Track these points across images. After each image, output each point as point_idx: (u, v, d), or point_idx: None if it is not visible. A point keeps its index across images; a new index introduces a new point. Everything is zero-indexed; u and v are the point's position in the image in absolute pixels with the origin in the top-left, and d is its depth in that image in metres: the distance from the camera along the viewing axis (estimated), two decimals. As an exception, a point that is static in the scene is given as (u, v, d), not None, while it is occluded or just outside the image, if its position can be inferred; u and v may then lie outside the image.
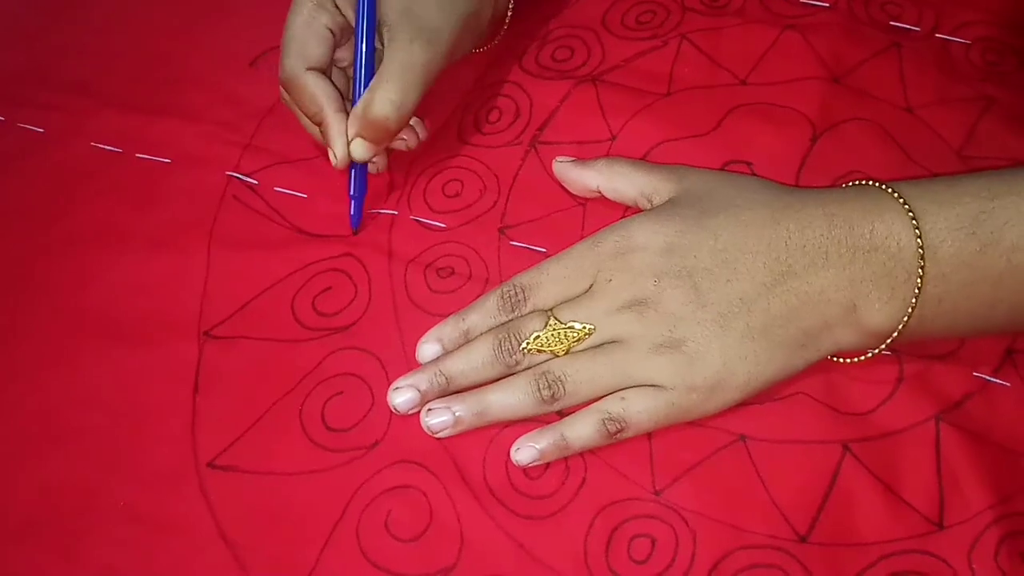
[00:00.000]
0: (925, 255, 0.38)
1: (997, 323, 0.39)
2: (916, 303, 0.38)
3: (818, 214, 0.40)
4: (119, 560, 0.40)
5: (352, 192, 0.46)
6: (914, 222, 0.38)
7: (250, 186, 0.49)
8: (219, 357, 0.44)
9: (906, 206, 0.38)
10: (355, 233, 0.47)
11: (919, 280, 0.38)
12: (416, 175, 0.49)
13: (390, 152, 0.48)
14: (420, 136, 0.48)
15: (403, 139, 0.47)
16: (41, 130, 0.52)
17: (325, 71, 0.46)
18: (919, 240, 0.38)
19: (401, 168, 0.49)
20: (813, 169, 0.46)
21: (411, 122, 0.46)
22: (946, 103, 0.48)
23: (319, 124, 0.45)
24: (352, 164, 0.46)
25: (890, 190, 0.39)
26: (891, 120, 0.48)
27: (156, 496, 0.41)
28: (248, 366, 0.44)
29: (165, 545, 0.40)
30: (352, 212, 0.46)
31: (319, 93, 0.45)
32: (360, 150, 0.45)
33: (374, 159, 0.46)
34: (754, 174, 0.46)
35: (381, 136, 0.44)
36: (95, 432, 0.43)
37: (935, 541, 0.38)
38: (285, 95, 0.47)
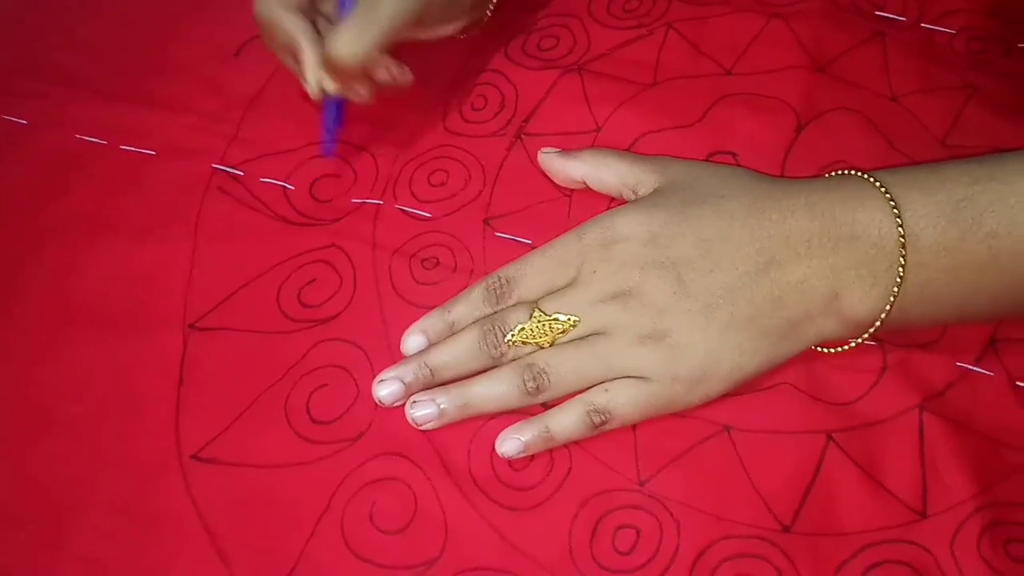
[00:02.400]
0: (906, 243, 0.38)
1: (979, 310, 0.39)
2: (898, 292, 0.38)
3: (801, 204, 0.40)
4: (103, 552, 0.40)
5: (327, 124, 0.48)
6: (895, 211, 0.38)
7: (235, 177, 0.49)
8: (204, 349, 0.44)
9: (887, 195, 0.38)
10: (325, 156, 0.49)
11: (901, 269, 0.38)
12: (402, 164, 0.49)
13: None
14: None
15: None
16: (24, 122, 0.52)
17: (305, 13, 0.46)
18: (900, 229, 0.38)
19: (387, 157, 0.49)
20: (798, 159, 0.46)
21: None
22: (930, 92, 0.48)
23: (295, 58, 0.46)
24: (325, 96, 0.46)
25: (872, 179, 0.39)
26: (876, 109, 0.48)
27: (139, 488, 0.41)
28: (233, 358, 0.44)
29: (148, 537, 0.40)
30: (323, 141, 0.48)
31: (291, 27, 0.45)
32: (329, 85, 0.45)
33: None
34: (739, 164, 0.46)
35: (343, 76, 0.45)
36: (78, 424, 0.43)
37: (918, 530, 0.38)
38: (264, 36, 0.47)
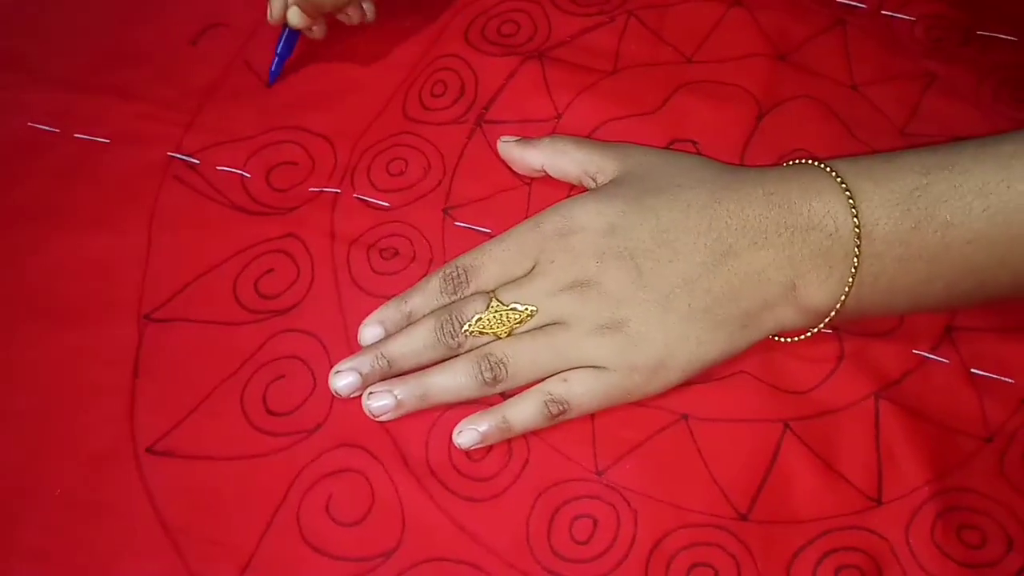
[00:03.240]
0: (861, 234, 0.38)
1: (934, 299, 0.39)
2: (853, 281, 0.38)
3: (757, 194, 0.40)
4: (56, 545, 0.39)
5: (279, 50, 0.50)
6: (850, 201, 0.38)
7: (192, 166, 0.48)
8: (159, 340, 0.44)
9: (843, 184, 0.38)
10: (268, 86, 0.51)
11: (856, 259, 0.38)
12: (360, 152, 0.48)
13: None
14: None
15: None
16: (-26, 109, 0.51)
17: None
18: (855, 219, 0.38)
19: (345, 145, 0.48)
20: (758, 147, 0.46)
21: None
22: (890, 80, 0.49)
23: None
24: (285, 25, 0.49)
25: (828, 168, 0.39)
26: (836, 98, 0.48)
27: (93, 481, 0.40)
28: (188, 349, 0.43)
29: (102, 530, 0.39)
30: (272, 68, 0.50)
31: None
32: (295, 17, 0.48)
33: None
34: (699, 153, 0.46)
35: (313, 10, 0.48)
36: (31, 416, 0.42)
37: (873, 517, 0.39)
38: None
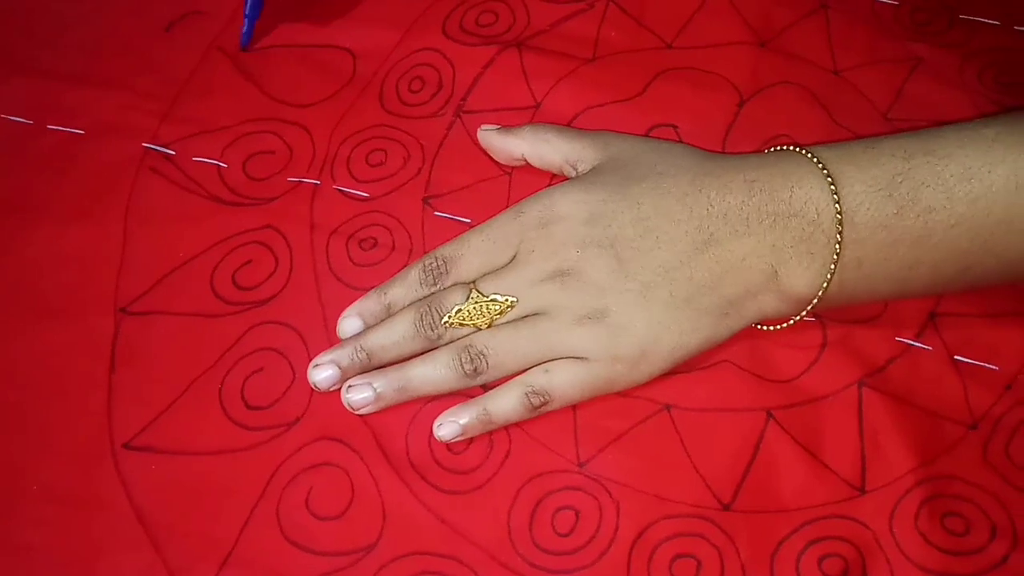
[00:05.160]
0: (843, 220, 0.37)
1: (917, 285, 0.39)
2: (835, 267, 0.38)
3: (739, 181, 0.39)
4: (34, 540, 0.39)
5: (247, 11, 0.49)
6: (832, 187, 0.38)
7: (168, 157, 0.47)
8: (136, 333, 0.43)
9: (824, 170, 0.38)
10: (244, 50, 0.50)
11: (838, 245, 0.38)
12: (339, 142, 0.48)
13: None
14: None
15: None
16: (-54, 101, 0.50)
17: None
18: (837, 206, 0.37)
19: (323, 135, 0.48)
20: (740, 134, 0.46)
21: None
22: (874, 64, 0.48)
23: None
24: None
25: (809, 155, 0.39)
26: (819, 83, 0.47)
27: (70, 477, 0.40)
28: (166, 343, 0.43)
29: (80, 526, 0.39)
30: (244, 30, 0.50)
31: None
32: None
33: None
34: (681, 139, 0.46)
35: None
36: (7, 411, 0.41)
37: (857, 506, 0.39)
38: None
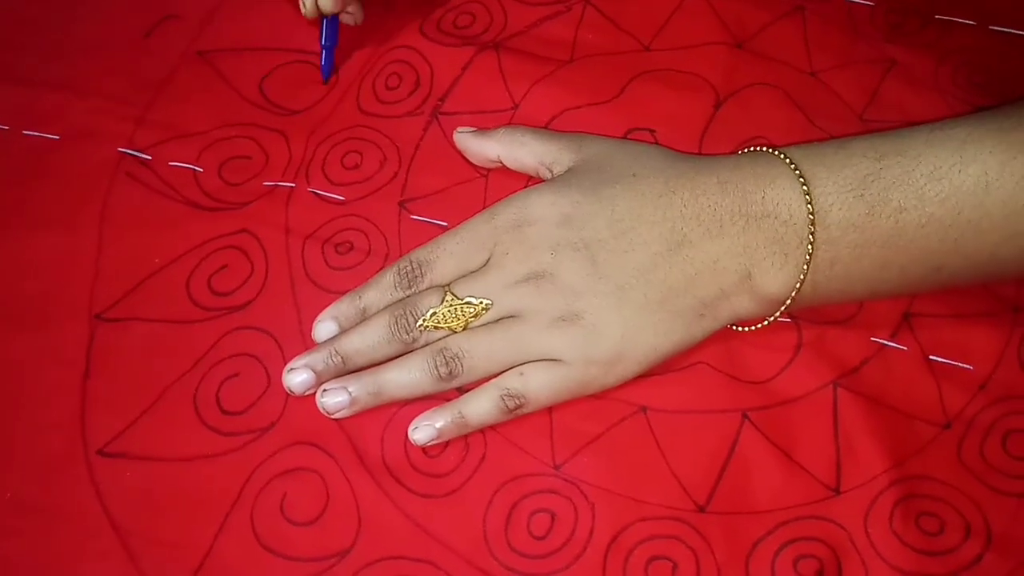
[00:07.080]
0: (815, 220, 0.38)
1: (890, 285, 0.39)
2: (808, 268, 0.38)
3: (712, 182, 0.39)
4: (7, 549, 0.38)
5: (324, 42, 0.48)
6: (804, 187, 0.38)
7: (143, 162, 0.47)
8: (111, 340, 0.43)
9: (797, 171, 0.38)
10: (326, 82, 0.49)
11: (810, 245, 0.38)
12: (315, 145, 0.47)
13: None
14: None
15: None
16: (-80, 107, 0.50)
17: None
18: (809, 206, 0.37)
19: (299, 138, 0.48)
20: (716, 136, 0.46)
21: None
22: (849, 66, 0.48)
23: None
24: (322, 17, 0.47)
25: (782, 156, 0.39)
26: (795, 84, 0.47)
27: (43, 484, 0.39)
28: (141, 349, 0.43)
29: (53, 534, 0.39)
30: (323, 63, 0.49)
31: None
32: (327, 3, 0.46)
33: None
34: (657, 142, 0.46)
35: None
36: (-21, 419, 0.41)
37: (832, 507, 0.39)
38: None
